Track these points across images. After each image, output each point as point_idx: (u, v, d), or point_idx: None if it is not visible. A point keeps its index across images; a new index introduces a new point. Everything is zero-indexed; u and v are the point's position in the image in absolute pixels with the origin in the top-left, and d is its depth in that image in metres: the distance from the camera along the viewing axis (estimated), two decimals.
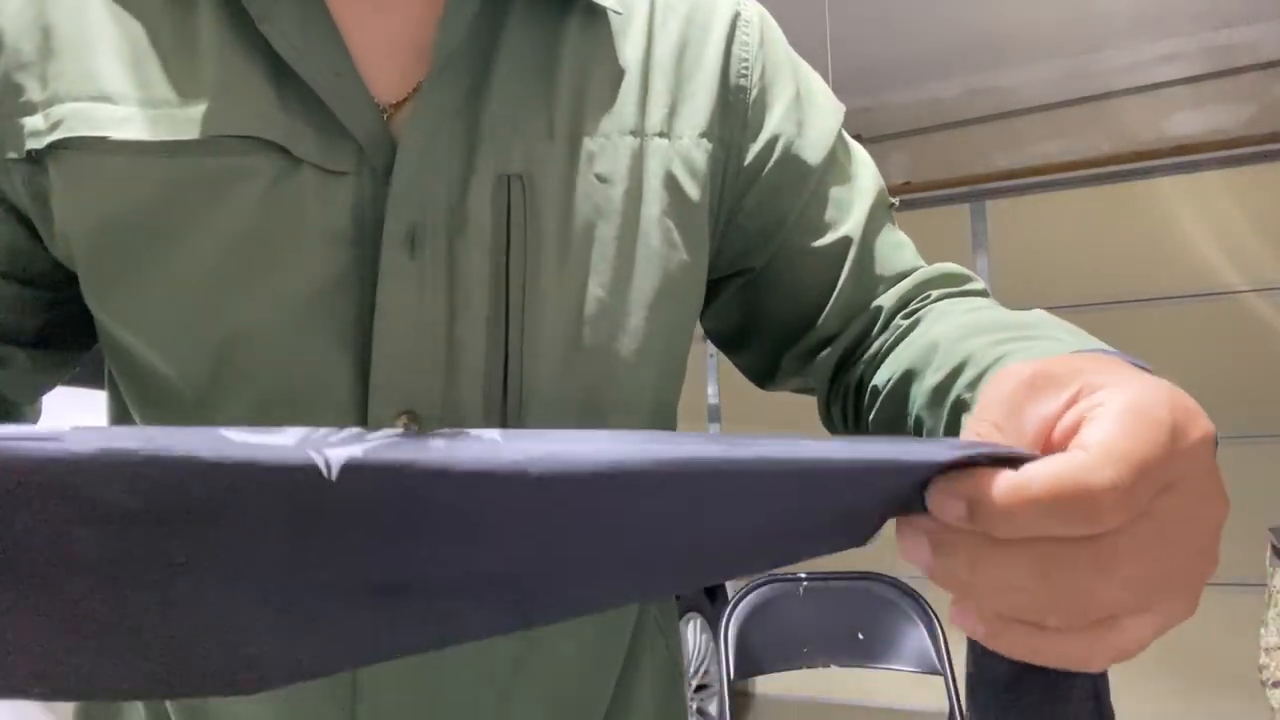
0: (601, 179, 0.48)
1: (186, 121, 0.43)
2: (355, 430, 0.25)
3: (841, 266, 0.55)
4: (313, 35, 0.44)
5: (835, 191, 0.55)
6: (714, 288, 0.57)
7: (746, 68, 0.53)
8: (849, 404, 0.55)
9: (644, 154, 0.49)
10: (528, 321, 0.45)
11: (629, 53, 0.50)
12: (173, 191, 0.43)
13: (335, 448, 0.24)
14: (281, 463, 0.24)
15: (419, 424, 0.44)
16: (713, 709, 2.37)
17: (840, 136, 0.56)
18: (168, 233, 0.43)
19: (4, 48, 0.45)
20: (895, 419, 0.49)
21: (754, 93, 0.54)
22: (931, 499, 0.27)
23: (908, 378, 0.47)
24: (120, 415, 0.51)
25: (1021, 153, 2.98)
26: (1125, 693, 2.78)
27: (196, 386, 0.44)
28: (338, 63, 0.44)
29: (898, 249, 0.57)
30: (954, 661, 1.58)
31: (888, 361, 0.50)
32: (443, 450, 0.25)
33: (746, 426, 3.23)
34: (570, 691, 0.51)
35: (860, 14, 2.47)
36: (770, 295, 0.56)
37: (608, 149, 0.48)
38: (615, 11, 0.50)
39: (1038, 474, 0.25)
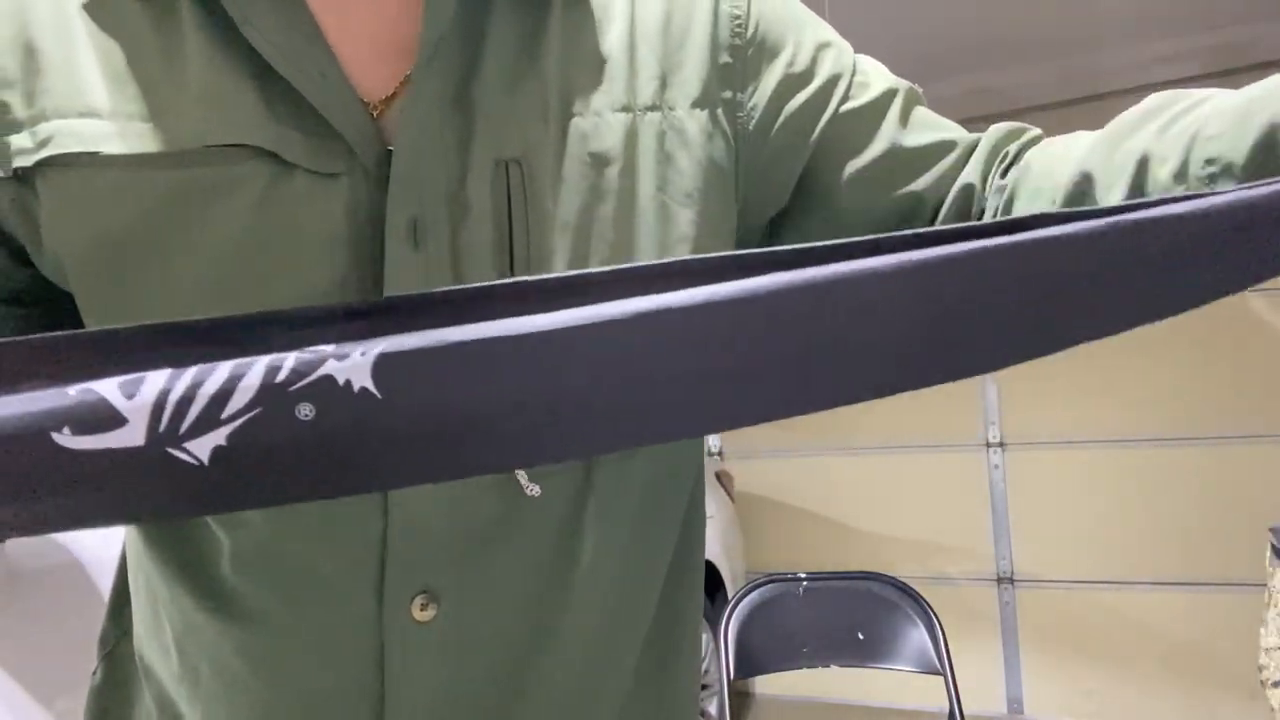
0: (597, 159, 0.47)
1: (176, 133, 0.43)
2: (201, 405, 0.24)
3: (900, 171, 0.54)
4: (296, 37, 0.44)
5: (859, 110, 0.54)
6: (775, 240, 0.56)
7: (740, 25, 0.53)
8: None
9: (637, 129, 0.49)
10: None
11: (614, 29, 0.50)
12: (165, 204, 0.43)
13: (193, 439, 0.23)
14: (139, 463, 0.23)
15: None
16: (713, 709, 2.37)
17: (854, 69, 0.55)
18: (163, 245, 0.43)
19: None
20: None
21: (751, 50, 0.53)
22: None
23: (1079, 201, 0.45)
24: None
25: None
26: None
27: None
28: (323, 63, 0.44)
29: (949, 130, 0.56)
30: (953, 661, 1.58)
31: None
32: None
33: None
34: (582, 701, 0.51)
35: (860, 14, 2.47)
36: (844, 228, 0.54)
37: (601, 127, 0.48)
38: None
39: None
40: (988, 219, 0.52)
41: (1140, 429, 2.80)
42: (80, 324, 0.47)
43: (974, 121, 0.56)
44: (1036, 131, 0.54)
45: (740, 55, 0.53)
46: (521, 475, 0.46)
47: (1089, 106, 2.94)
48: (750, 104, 0.53)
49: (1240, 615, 2.51)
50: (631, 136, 0.48)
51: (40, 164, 0.43)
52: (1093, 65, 2.92)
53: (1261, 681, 1.63)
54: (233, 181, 0.43)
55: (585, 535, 0.48)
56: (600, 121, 0.48)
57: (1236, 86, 0.41)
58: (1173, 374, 2.75)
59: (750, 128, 0.53)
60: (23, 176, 0.44)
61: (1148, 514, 2.78)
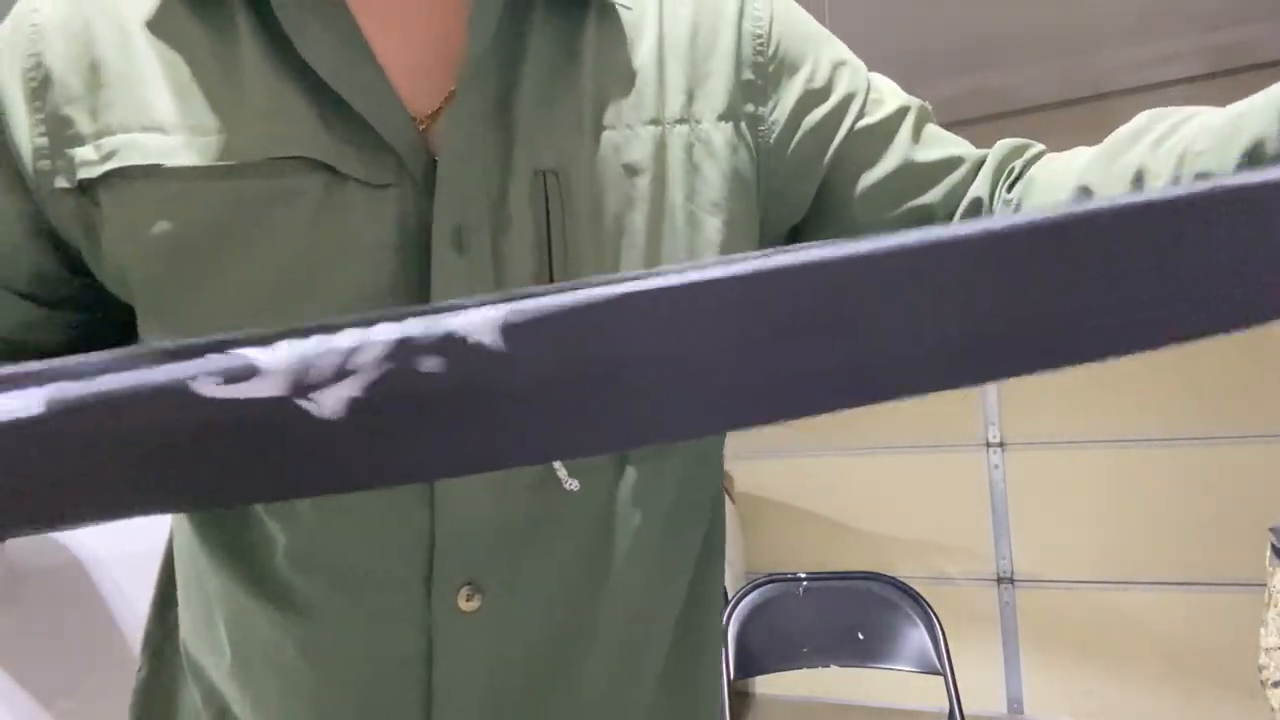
0: (629, 169, 0.50)
1: (238, 146, 0.46)
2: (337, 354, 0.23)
3: (914, 185, 0.57)
4: (348, 56, 0.47)
5: (874, 127, 0.57)
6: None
7: (761, 44, 0.56)
8: None
9: (665, 141, 0.51)
10: None
11: (644, 45, 0.52)
12: (227, 213, 0.45)
13: (327, 388, 0.23)
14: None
15: None
16: None
17: (868, 87, 0.58)
18: (223, 253, 0.45)
19: (53, 83, 0.47)
20: None
21: (772, 66, 0.56)
22: None
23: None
24: None
25: None
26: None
27: None
28: (373, 80, 0.47)
29: (958, 146, 0.59)
30: (953, 661, 1.58)
31: None
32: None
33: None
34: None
35: (860, 13, 2.47)
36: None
37: (632, 139, 0.51)
38: (625, 7, 0.53)
39: None
40: None
41: (1140, 429, 2.80)
42: (130, 332, 0.50)
43: (974, 122, 0.58)
44: (1040, 147, 0.58)
45: (762, 72, 0.55)
46: (560, 470, 0.48)
47: (1089, 106, 2.94)
48: (771, 118, 0.55)
49: (1240, 615, 2.51)
50: (661, 148, 0.51)
51: (105, 175, 0.46)
52: (1093, 65, 2.92)
53: (1261, 681, 1.64)
54: (291, 192, 0.45)
55: (620, 529, 0.51)
56: (631, 134, 0.51)
57: (1236, 86, 0.42)
58: (1173, 374, 2.75)
59: (771, 141, 0.55)
60: (86, 188, 0.46)
61: (1148, 514, 2.78)
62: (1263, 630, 1.67)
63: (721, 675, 0.63)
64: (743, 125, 0.54)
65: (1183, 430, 2.75)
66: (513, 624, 0.49)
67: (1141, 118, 0.49)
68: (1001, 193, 0.56)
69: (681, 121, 0.52)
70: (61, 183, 0.47)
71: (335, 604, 0.48)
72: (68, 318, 0.52)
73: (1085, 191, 0.49)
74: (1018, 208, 0.54)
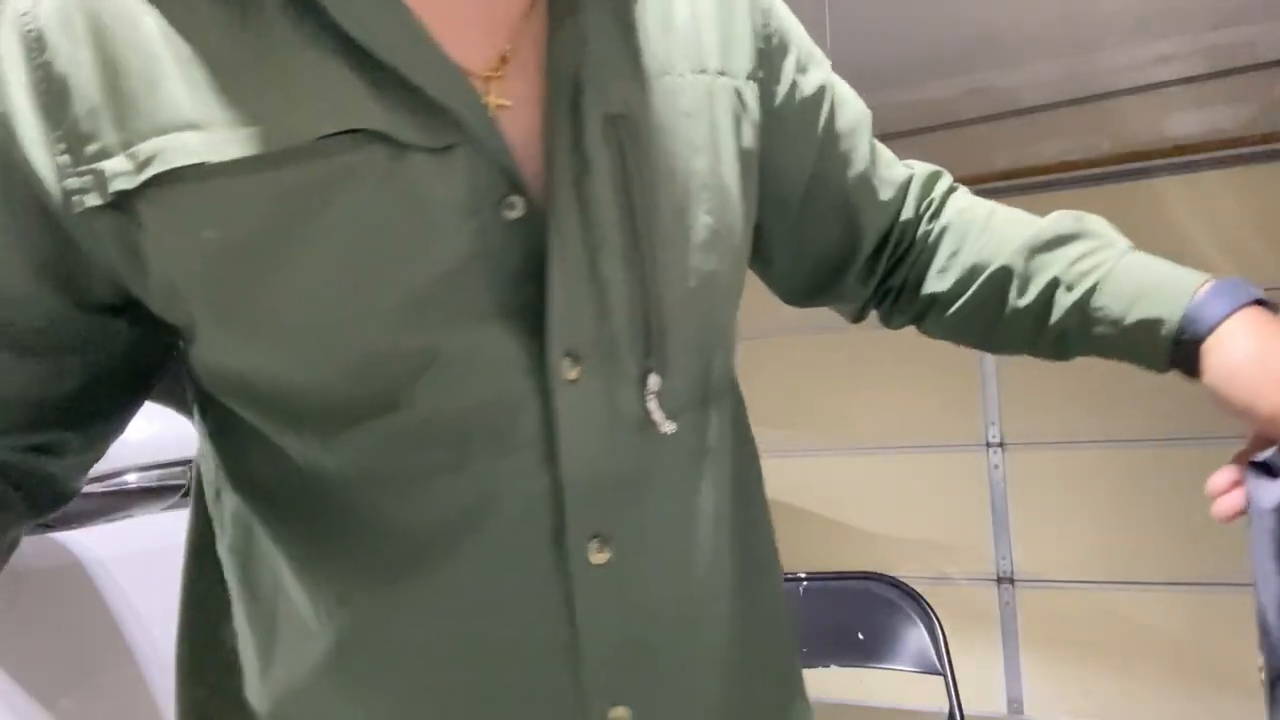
0: (688, 114, 0.52)
1: (283, 129, 0.42)
2: None
3: (867, 196, 0.65)
4: (386, 15, 0.44)
5: (843, 128, 0.65)
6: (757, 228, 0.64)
7: (766, 16, 0.60)
8: (891, 300, 0.71)
9: (713, 90, 0.54)
10: (657, 253, 0.49)
11: (680, 4, 0.55)
12: (285, 202, 0.42)
13: None
14: None
15: (579, 363, 0.47)
16: None
17: (832, 85, 0.66)
18: (286, 247, 0.43)
19: (70, 94, 0.42)
20: (986, 320, 0.66)
21: (775, 40, 0.60)
22: None
23: (991, 287, 0.64)
24: (234, 453, 0.51)
25: (1021, 153, 2.99)
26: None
27: (348, 387, 0.45)
28: (416, 38, 0.44)
29: (893, 164, 0.68)
30: (954, 661, 1.58)
31: (940, 271, 0.66)
32: None
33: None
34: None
35: (860, 14, 2.47)
36: (808, 229, 0.66)
37: (685, 87, 0.53)
38: None
39: None
40: (914, 255, 0.68)
41: (1140, 429, 2.80)
42: (141, 364, 0.51)
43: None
44: (948, 182, 0.69)
45: (767, 44, 0.60)
46: (657, 414, 0.50)
47: (1089, 106, 2.94)
48: (773, 88, 0.60)
49: (1240, 615, 2.51)
50: (710, 96, 0.54)
51: (146, 184, 0.42)
52: (1093, 65, 2.91)
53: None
54: (350, 169, 0.42)
55: (709, 466, 0.54)
56: (684, 81, 0.52)
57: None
58: (1173, 374, 2.75)
59: (774, 106, 0.60)
60: (122, 203, 0.43)
61: (1148, 514, 2.78)
62: None
63: (778, 568, 0.66)
64: (758, 88, 0.58)
65: (1183, 430, 2.75)
66: (640, 573, 0.50)
67: (1061, 222, 0.63)
68: (924, 224, 0.67)
69: (722, 74, 0.55)
70: (93, 200, 0.43)
71: (467, 570, 0.47)
72: (79, 360, 0.49)
73: (1007, 272, 0.62)
74: (935, 245, 0.67)
